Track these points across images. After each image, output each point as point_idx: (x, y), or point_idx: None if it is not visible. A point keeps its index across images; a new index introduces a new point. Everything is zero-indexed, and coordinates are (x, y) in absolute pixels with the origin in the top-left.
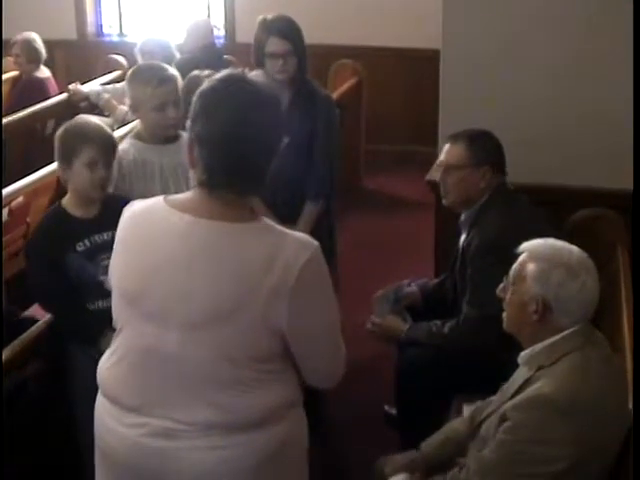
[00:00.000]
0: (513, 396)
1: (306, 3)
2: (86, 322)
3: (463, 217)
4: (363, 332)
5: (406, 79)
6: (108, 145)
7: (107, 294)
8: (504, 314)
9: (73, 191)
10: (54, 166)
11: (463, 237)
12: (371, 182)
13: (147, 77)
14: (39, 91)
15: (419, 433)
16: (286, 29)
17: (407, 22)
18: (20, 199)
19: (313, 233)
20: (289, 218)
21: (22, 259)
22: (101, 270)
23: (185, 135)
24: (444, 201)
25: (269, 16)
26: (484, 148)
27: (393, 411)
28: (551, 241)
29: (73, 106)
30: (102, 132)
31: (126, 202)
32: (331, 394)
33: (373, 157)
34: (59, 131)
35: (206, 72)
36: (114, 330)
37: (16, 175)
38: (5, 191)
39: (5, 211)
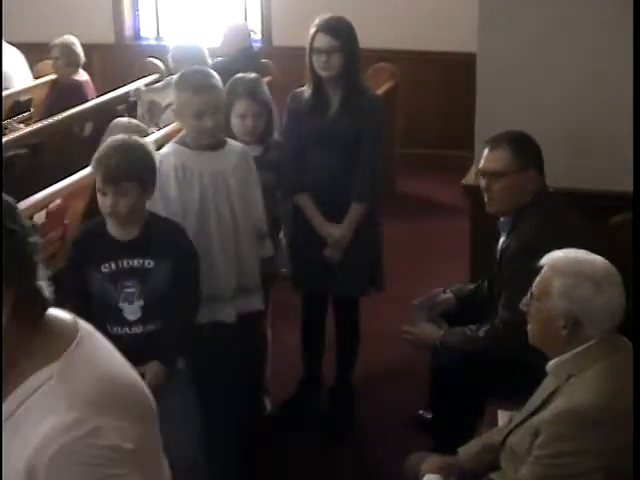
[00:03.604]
0: (542, 406)
1: (343, 7)
2: None
3: (502, 220)
4: (398, 335)
5: (440, 82)
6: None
7: (125, 322)
8: (529, 328)
9: None
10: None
11: (502, 240)
12: (405, 186)
13: (189, 83)
14: (77, 94)
15: (453, 438)
16: (333, 26)
17: (442, 25)
18: (58, 201)
19: (358, 236)
20: (333, 218)
21: (59, 261)
22: (122, 296)
23: (232, 142)
24: (489, 208)
25: (325, 15)
26: (527, 151)
27: (428, 415)
28: (573, 253)
29: (110, 109)
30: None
31: (168, 225)
32: (365, 395)
33: (407, 160)
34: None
35: (252, 75)
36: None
37: (54, 177)
38: (43, 193)
39: (43, 213)
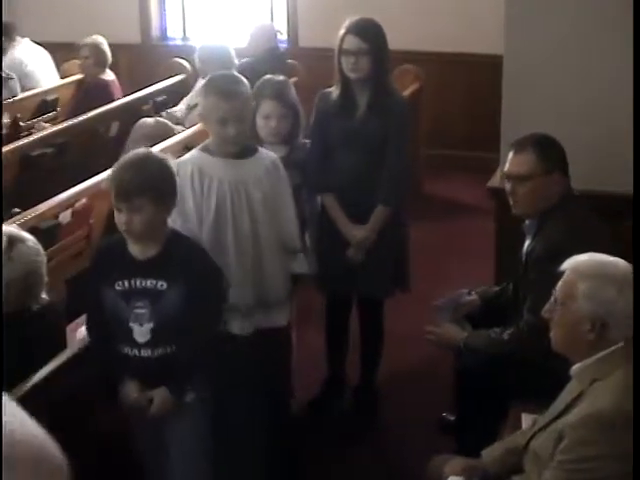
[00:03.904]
0: (566, 410)
1: (368, 8)
2: (109, 363)
3: (527, 223)
4: (422, 336)
5: (466, 84)
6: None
7: (134, 343)
8: (552, 333)
9: None
10: None
11: (527, 243)
12: (430, 187)
13: (216, 88)
14: (104, 93)
15: (476, 440)
16: (362, 28)
17: (468, 27)
18: (83, 201)
19: (383, 238)
20: (358, 219)
21: (84, 260)
22: (133, 317)
23: (263, 152)
24: (514, 211)
25: (355, 17)
26: (553, 154)
27: (451, 417)
28: (596, 256)
29: (136, 109)
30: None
31: (188, 246)
32: (388, 396)
33: (432, 162)
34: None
35: (280, 78)
36: (134, 381)
37: (80, 177)
38: (68, 193)
39: (68, 213)
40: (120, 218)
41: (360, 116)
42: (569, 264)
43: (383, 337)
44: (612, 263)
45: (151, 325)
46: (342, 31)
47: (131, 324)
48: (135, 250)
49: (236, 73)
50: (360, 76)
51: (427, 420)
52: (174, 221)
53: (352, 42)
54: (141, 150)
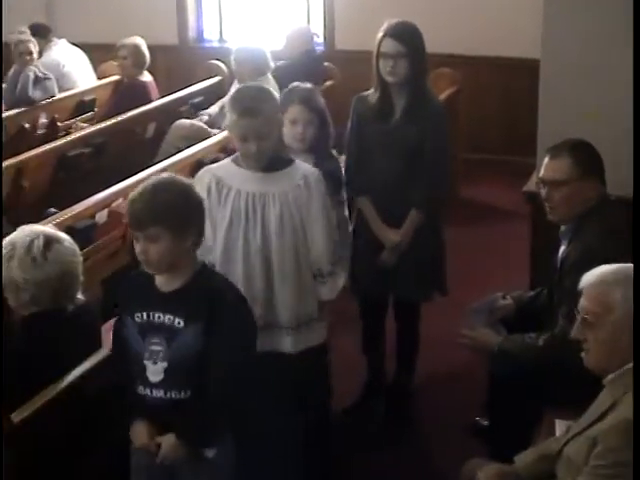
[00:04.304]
0: (600, 418)
1: (407, 11)
2: (122, 399)
3: (563, 228)
4: (457, 340)
5: (503, 88)
6: None
7: (147, 382)
8: (587, 354)
9: None
10: (153, 169)
11: (562, 248)
12: (466, 191)
13: (237, 103)
14: (141, 94)
15: (510, 445)
16: (401, 31)
17: (505, 31)
18: (120, 200)
19: (416, 243)
20: (392, 222)
21: (120, 259)
22: (148, 353)
23: (298, 166)
24: (550, 216)
25: (393, 20)
26: (589, 159)
27: (485, 422)
28: (609, 266)
29: (173, 111)
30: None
31: (214, 281)
32: (422, 399)
33: (469, 166)
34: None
35: (308, 85)
36: (145, 423)
37: (116, 177)
38: (105, 193)
39: (104, 212)
40: (137, 247)
41: (397, 120)
42: (588, 281)
43: (419, 340)
44: (630, 267)
45: (165, 364)
46: (380, 34)
47: (145, 361)
48: (161, 281)
49: (264, 86)
50: (398, 80)
51: (460, 424)
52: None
53: (390, 45)
54: (164, 175)
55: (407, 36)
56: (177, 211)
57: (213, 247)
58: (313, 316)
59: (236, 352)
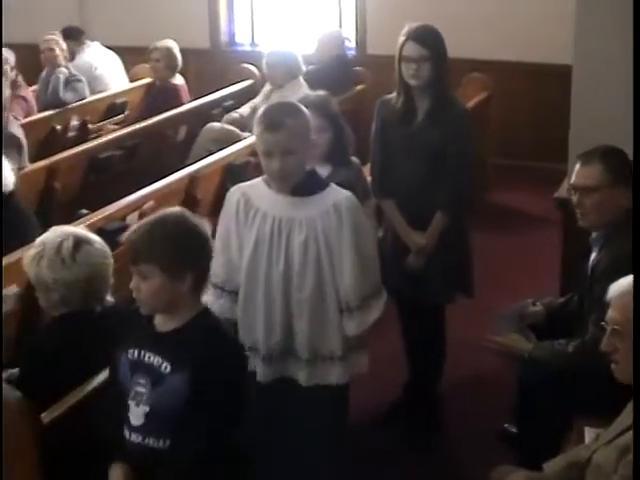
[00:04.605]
0: (630, 427)
1: (438, 16)
2: (106, 437)
3: (594, 235)
4: (485, 345)
5: (535, 94)
6: None
7: (128, 423)
8: (616, 366)
9: None
10: (184, 172)
11: (593, 255)
12: (497, 197)
13: (262, 117)
14: (173, 97)
15: (539, 453)
16: (422, 35)
17: (536, 37)
18: (151, 203)
19: (442, 246)
20: (417, 225)
21: None
22: (133, 393)
23: (332, 191)
24: (581, 222)
25: (415, 24)
26: (620, 166)
27: (513, 429)
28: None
29: (204, 114)
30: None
31: (210, 328)
32: (449, 403)
33: (499, 172)
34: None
35: (321, 92)
36: (122, 466)
37: (147, 179)
38: (136, 195)
39: (135, 214)
40: (132, 283)
41: (420, 123)
42: (615, 291)
43: (444, 344)
44: None
45: (147, 408)
46: (402, 38)
47: (130, 401)
48: (159, 320)
49: (294, 103)
50: (421, 83)
51: (489, 430)
52: (217, 253)
53: (413, 49)
54: (174, 209)
55: (429, 39)
56: (173, 250)
57: (240, 267)
58: (335, 353)
59: (216, 420)
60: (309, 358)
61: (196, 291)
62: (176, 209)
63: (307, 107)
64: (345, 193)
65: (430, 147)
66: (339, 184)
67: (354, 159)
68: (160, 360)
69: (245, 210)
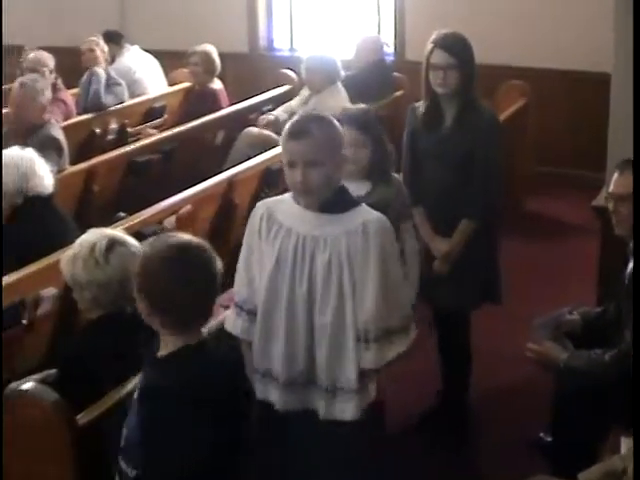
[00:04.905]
0: None
1: (479, 22)
2: None
3: (632, 245)
4: (521, 354)
5: (574, 102)
6: None
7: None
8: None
9: None
10: (222, 176)
11: (631, 265)
12: (535, 205)
13: (289, 126)
14: (211, 102)
15: (574, 462)
16: (452, 43)
17: (577, 45)
18: (188, 207)
19: (470, 253)
20: (444, 232)
21: None
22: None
23: (360, 210)
24: (617, 231)
25: (443, 30)
26: None
27: (548, 438)
28: None
29: (242, 118)
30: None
31: (170, 370)
32: (481, 412)
33: (537, 179)
34: None
35: (362, 106)
36: None
37: (185, 183)
38: (173, 199)
39: (172, 219)
40: None
41: (446, 130)
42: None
43: (468, 353)
44: None
45: (125, 431)
46: (430, 45)
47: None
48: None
49: (324, 114)
50: (448, 91)
51: (523, 439)
52: (239, 269)
53: (440, 56)
54: (181, 238)
55: (457, 47)
56: (157, 288)
57: (258, 289)
58: (351, 385)
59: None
60: (328, 388)
61: (174, 329)
62: (183, 238)
63: (346, 120)
64: (376, 214)
65: (458, 153)
66: (377, 202)
67: (395, 176)
68: (138, 384)
69: (268, 226)
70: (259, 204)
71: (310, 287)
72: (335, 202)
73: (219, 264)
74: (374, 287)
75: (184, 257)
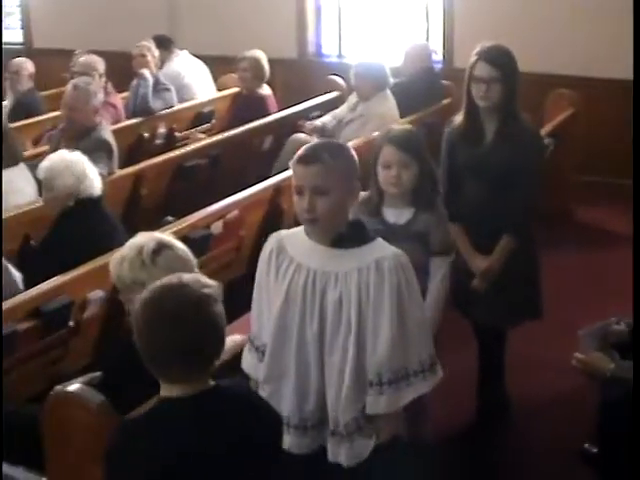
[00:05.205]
0: None
1: (529, 30)
2: None
3: None
4: (566, 365)
5: (622, 110)
6: None
7: None
8: None
9: None
10: (269, 182)
11: None
12: (583, 215)
13: (300, 151)
14: (259, 107)
15: (620, 474)
16: (495, 56)
17: (627, 54)
18: (235, 212)
19: (509, 270)
20: (484, 248)
21: (233, 271)
22: None
23: (378, 245)
24: None
25: (487, 43)
26: None
27: (593, 449)
28: None
29: (290, 124)
30: None
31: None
32: (524, 423)
33: (586, 189)
34: None
35: (407, 126)
36: None
37: (232, 189)
38: (220, 204)
39: (220, 223)
40: None
41: (488, 144)
42: None
43: (501, 369)
44: None
45: None
46: (474, 58)
47: None
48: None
49: (340, 143)
50: (490, 104)
51: (568, 450)
52: (253, 302)
53: (484, 69)
54: (173, 278)
55: (501, 60)
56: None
57: (267, 325)
58: (349, 429)
59: None
60: (335, 431)
61: (161, 380)
62: (185, 277)
63: (389, 140)
64: (392, 250)
65: (499, 168)
66: (417, 232)
67: (440, 204)
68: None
69: (277, 261)
70: (271, 237)
71: (321, 326)
72: (348, 236)
73: (218, 306)
74: (388, 329)
75: (160, 298)
